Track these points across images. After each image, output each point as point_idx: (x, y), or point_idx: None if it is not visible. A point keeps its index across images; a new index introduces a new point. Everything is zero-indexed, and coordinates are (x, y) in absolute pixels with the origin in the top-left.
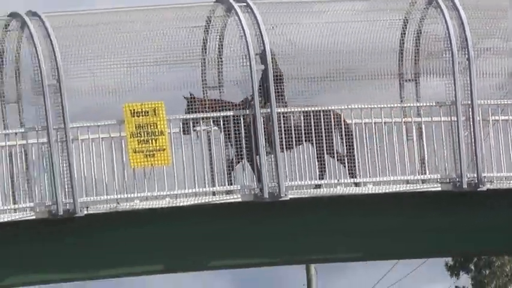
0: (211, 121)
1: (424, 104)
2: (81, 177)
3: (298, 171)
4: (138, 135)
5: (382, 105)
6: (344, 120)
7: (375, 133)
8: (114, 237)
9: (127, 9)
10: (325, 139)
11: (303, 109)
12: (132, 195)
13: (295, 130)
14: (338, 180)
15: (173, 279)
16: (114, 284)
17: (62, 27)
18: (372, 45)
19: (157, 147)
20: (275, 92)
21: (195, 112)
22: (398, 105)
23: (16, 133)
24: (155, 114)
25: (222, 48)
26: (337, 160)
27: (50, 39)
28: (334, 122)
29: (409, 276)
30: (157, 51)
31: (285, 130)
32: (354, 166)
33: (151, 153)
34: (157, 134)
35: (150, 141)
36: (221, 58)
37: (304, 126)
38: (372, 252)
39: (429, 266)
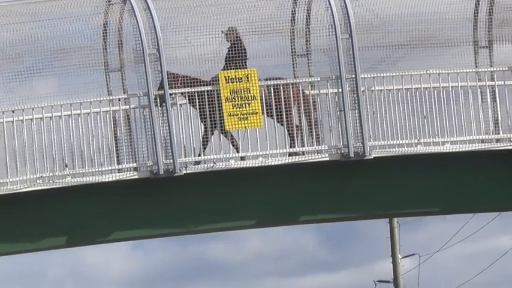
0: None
1: (497, 69)
2: (180, 139)
3: (381, 131)
4: (233, 99)
5: (459, 70)
6: (303, 92)
7: (452, 96)
8: (211, 195)
9: None
10: (285, 111)
11: (264, 83)
12: (228, 155)
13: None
14: (418, 140)
15: (265, 233)
16: (210, 237)
17: (160, 0)
18: (449, 15)
19: (251, 111)
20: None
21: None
22: (473, 70)
23: (119, 99)
24: (248, 80)
25: (309, 18)
26: (297, 131)
27: (150, 11)
28: (294, 94)
29: (483, 228)
30: (250, 21)
31: None
32: (317, 134)
33: (245, 116)
34: (250, 98)
35: (243, 105)
36: (309, 28)
37: (267, 99)
38: (449, 206)
39: (502, 219)
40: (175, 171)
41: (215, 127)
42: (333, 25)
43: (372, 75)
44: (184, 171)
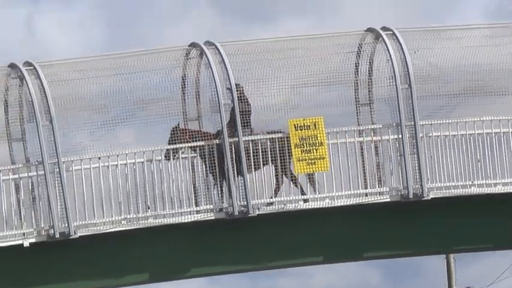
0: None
1: None
2: (253, 181)
3: (438, 173)
4: (302, 146)
5: (510, 117)
6: None
7: (504, 141)
8: (280, 234)
9: (289, 38)
10: (285, 160)
11: (266, 136)
12: (297, 197)
13: (262, 153)
14: (472, 182)
15: (330, 269)
16: (278, 273)
17: (234, 54)
18: (500, 66)
19: (318, 156)
20: (242, 122)
21: (178, 141)
22: None
23: (198, 146)
24: (316, 128)
25: (371, 70)
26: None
27: (225, 64)
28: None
29: None
30: (317, 73)
31: (253, 153)
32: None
33: (313, 161)
34: (317, 144)
35: (311, 151)
36: (371, 79)
37: (269, 148)
38: (501, 243)
39: None
40: (249, 213)
41: (223, 177)
42: (394, 76)
43: (430, 122)
44: (257, 212)
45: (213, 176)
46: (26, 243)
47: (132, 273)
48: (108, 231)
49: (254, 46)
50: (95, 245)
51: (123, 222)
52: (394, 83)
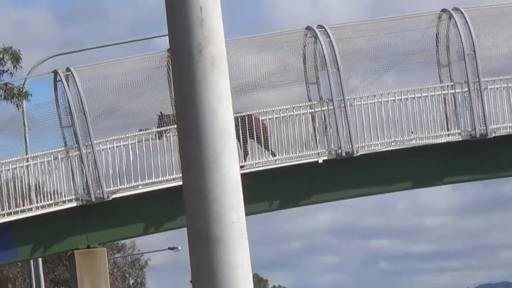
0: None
1: None
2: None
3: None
4: None
5: None
6: (261, 121)
7: None
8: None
9: None
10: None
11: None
12: None
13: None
14: None
15: None
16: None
17: (475, 17)
18: None
19: None
20: None
21: (165, 125)
22: None
23: (448, 85)
24: None
25: None
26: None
27: (468, 25)
28: (254, 123)
29: None
30: None
31: None
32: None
33: None
34: None
35: None
36: None
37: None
38: None
39: None
40: (488, 135)
41: None
42: None
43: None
44: (494, 134)
45: None
46: (320, 160)
47: (398, 181)
48: (382, 150)
49: (491, 10)
50: (372, 162)
51: (393, 143)
52: None
